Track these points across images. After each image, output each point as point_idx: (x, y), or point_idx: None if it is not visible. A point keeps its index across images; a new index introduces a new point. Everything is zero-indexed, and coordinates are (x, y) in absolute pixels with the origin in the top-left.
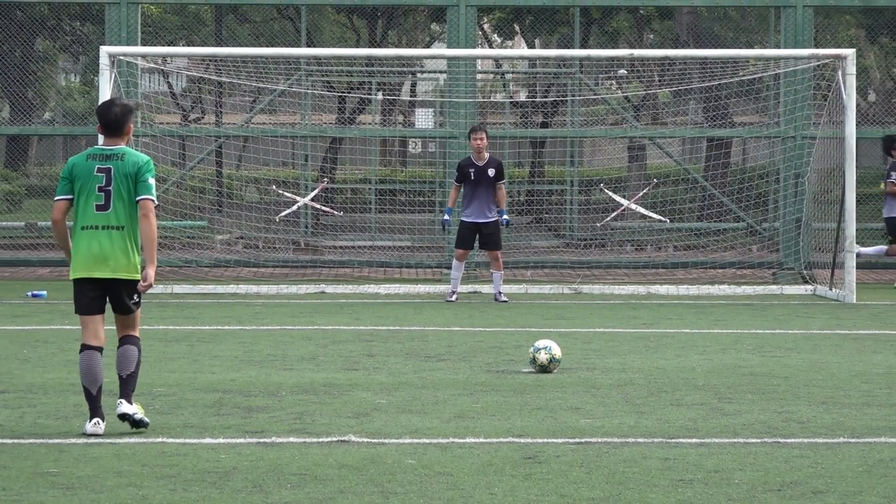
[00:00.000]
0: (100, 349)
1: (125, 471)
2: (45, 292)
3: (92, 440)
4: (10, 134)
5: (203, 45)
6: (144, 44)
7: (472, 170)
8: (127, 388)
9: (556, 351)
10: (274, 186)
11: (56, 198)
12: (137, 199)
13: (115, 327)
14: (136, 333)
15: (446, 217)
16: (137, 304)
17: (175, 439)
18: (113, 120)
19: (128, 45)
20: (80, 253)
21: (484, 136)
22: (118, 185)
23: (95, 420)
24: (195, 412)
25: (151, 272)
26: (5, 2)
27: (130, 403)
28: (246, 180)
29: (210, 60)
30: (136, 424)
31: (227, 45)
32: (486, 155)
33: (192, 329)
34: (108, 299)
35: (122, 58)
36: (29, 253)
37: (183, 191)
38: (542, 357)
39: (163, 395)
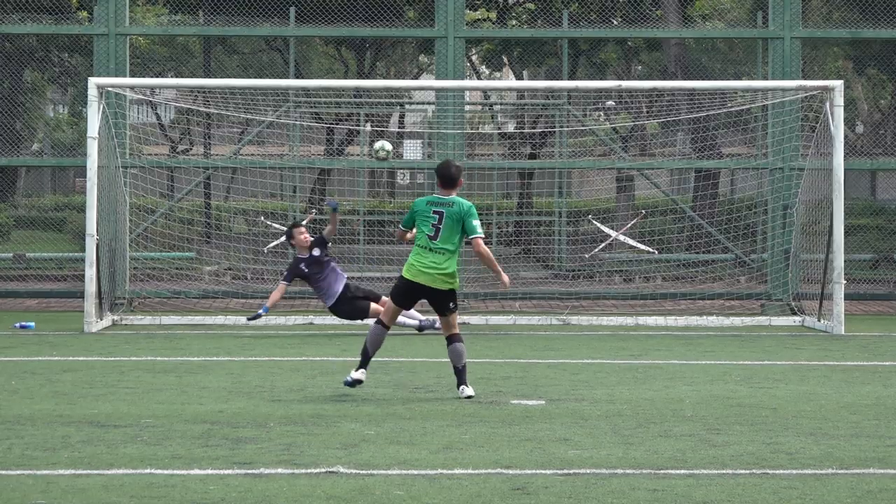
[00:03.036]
0: (386, 327)
1: (113, 502)
2: (32, 323)
3: (80, 471)
4: None
5: (191, 77)
6: (133, 75)
7: None
8: (463, 375)
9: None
10: (262, 217)
11: (400, 226)
12: (470, 238)
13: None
14: (457, 331)
15: None
16: (453, 309)
17: (163, 470)
18: (450, 177)
19: (116, 76)
20: (410, 263)
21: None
22: (447, 223)
23: (361, 370)
24: (183, 443)
25: (504, 277)
26: None
27: (468, 386)
28: (234, 211)
29: (198, 92)
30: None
31: (216, 77)
32: None
33: (180, 360)
34: (429, 302)
35: (110, 89)
36: (17, 284)
37: (171, 222)
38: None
39: (151, 426)
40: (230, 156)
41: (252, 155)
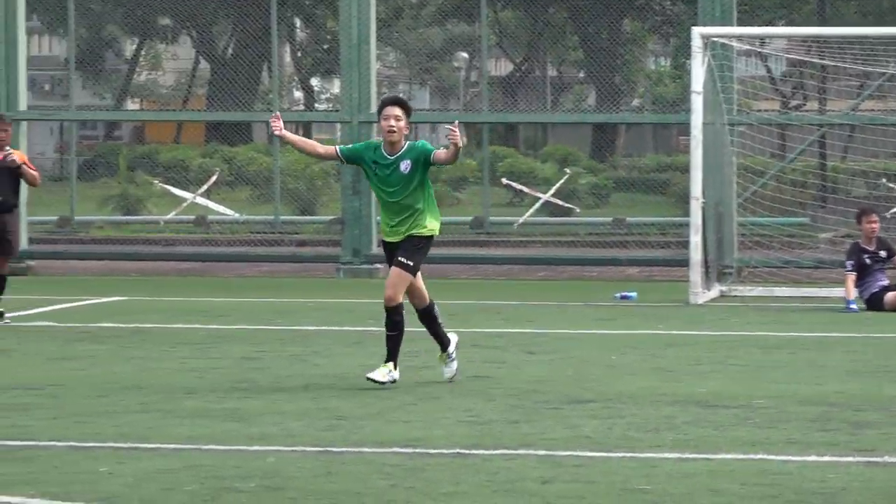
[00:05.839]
0: None
1: (722, 489)
2: (635, 294)
3: (686, 455)
4: (596, 122)
5: (804, 25)
6: (740, 24)
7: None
8: None
9: None
10: (884, 180)
11: None
12: None
13: None
14: None
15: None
16: None
17: (776, 456)
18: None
19: (722, 25)
20: None
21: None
22: None
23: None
24: (798, 427)
25: None
26: None
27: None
28: (852, 173)
29: (812, 41)
30: None
31: (831, 25)
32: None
33: (793, 336)
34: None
35: (715, 39)
36: (617, 251)
37: (782, 185)
38: None
39: (762, 407)
40: (847, 112)
41: (872, 111)
